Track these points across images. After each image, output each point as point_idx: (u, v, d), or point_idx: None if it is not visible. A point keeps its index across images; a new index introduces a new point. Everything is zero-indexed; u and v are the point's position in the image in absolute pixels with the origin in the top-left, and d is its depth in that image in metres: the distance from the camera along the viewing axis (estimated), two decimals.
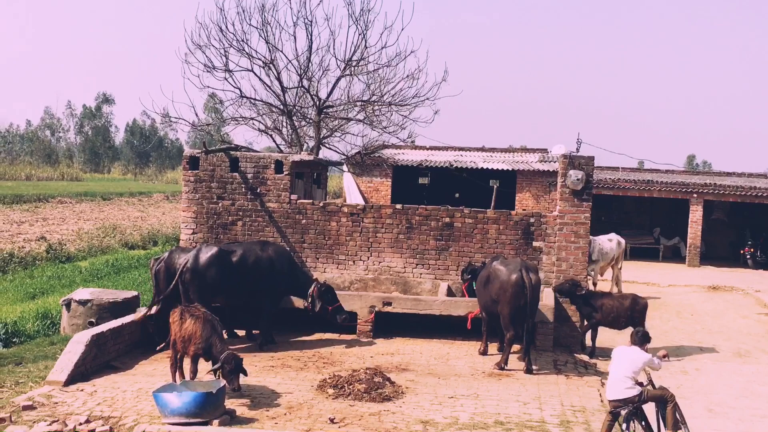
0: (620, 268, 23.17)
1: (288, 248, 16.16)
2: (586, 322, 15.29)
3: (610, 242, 22.90)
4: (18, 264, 24.93)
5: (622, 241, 23.55)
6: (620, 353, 9.92)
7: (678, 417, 9.61)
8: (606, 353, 14.87)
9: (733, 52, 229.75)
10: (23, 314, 16.47)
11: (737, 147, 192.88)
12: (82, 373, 11.79)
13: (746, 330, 18.71)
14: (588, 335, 15.32)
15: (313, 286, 14.43)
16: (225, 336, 14.86)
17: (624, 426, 9.50)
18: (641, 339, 10.06)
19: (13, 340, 14.94)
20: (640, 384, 9.69)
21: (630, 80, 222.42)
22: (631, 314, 15.11)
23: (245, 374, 11.15)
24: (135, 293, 16.25)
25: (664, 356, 10.22)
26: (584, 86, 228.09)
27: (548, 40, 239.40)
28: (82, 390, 11.29)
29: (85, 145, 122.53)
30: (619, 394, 9.57)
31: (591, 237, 21.86)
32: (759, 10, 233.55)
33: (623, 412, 9.60)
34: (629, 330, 14.86)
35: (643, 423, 9.58)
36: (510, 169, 33.44)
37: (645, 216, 36.03)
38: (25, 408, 10.31)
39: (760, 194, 31.63)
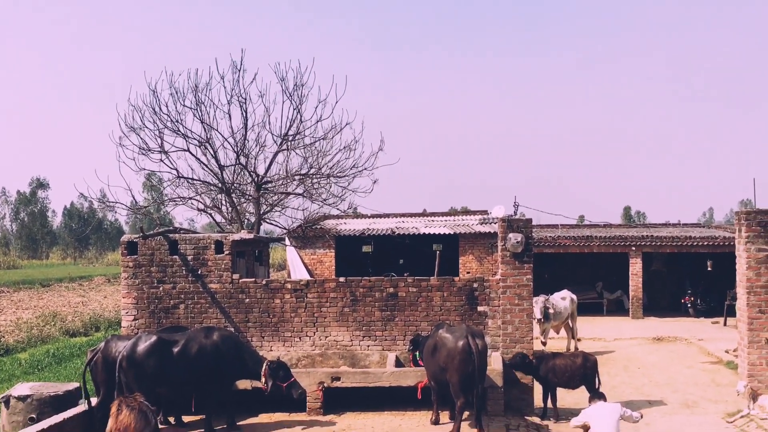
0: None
1: (232, 329, 15.98)
2: (543, 388, 15.37)
3: (563, 300, 23.24)
4: None
5: (575, 297, 23.94)
6: (600, 411, 10.37)
7: None
8: (561, 413, 14.95)
9: (661, 105, 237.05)
10: None
11: (669, 197, 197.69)
12: None
13: (692, 380, 18.96)
14: (540, 395, 15.40)
15: (264, 366, 14.18)
16: (173, 422, 14.64)
17: None
18: (601, 396, 11.32)
19: None
20: None
21: (562, 138, 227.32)
22: (584, 372, 15.25)
23: None
24: (77, 385, 15.79)
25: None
26: (519, 145, 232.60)
27: (481, 102, 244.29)
28: None
29: (21, 231, 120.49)
30: None
31: (545, 296, 22.24)
32: (680, 62, 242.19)
33: None
34: (580, 390, 15.08)
35: None
36: (452, 232, 33.73)
37: (587, 271, 36.53)
38: None
39: (695, 243, 32.38)
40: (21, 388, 15.21)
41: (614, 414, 10.31)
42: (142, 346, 13.51)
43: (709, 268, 32.45)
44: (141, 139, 22.01)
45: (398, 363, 15.93)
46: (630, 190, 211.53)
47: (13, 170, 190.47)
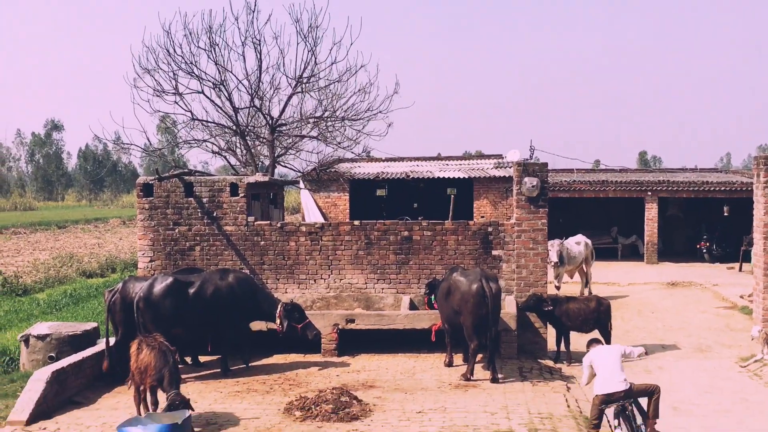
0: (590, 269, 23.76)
1: (248, 271, 16.06)
2: (556, 331, 15.41)
3: (578, 245, 23.19)
4: None
5: (589, 242, 23.87)
6: (600, 353, 10.37)
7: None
8: (574, 357, 15.05)
9: (678, 48, 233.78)
10: None
11: (686, 141, 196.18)
12: (44, 410, 11.56)
13: (706, 325, 18.99)
14: (553, 338, 15.48)
15: (279, 308, 14.28)
16: (190, 362, 14.83)
17: (615, 423, 9.86)
18: (598, 341, 11.21)
19: None
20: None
21: (579, 80, 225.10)
22: (597, 316, 15.29)
23: (192, 410, 10.85)
24: (94, 324, 16.01)
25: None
26: (535, 88, 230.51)
27: (498, 44, 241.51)
28: (44, 429, 11.08)
29: (36, 173, 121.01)
30: (613, 386, 9.89)
31: (559, 240, 22.17)
32: (702, 5, 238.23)
33: (608, 411, 9.84)
34: (593, 333, 15.13)
35: (632, 423, 9.83)
36: (466, 176, 33.60)
37: (602, 216, 36.40)
38: None
39: (712, 189, 32.15)
40: (40, 328, 15.43)
41: (615, 354, 10.29)
42: (158, 287, 13.62)
43: (725, 214, 32.28)
44: (155, 80, 21.99)
45: (412, 306, 16.01)
46: (646, 135, 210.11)
47: (27, 112, 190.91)
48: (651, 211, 32.37)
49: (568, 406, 11.84)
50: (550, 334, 15.64)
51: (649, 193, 32.34)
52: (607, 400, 9.86)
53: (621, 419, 9.83)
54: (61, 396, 12.20)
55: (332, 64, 23.01)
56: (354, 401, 11.71)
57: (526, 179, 15.62)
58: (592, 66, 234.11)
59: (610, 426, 9.99)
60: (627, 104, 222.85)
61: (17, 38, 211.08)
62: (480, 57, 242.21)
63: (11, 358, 15.84)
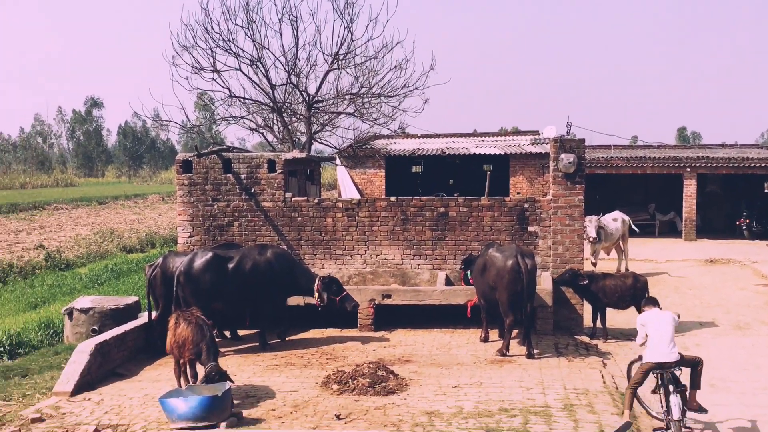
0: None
1: (285, 247, 16.24)
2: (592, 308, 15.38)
3: (614, 222, 23.08)
4: (18, 274, 25.00)
5: (627, 218, 23.74)
6: (655, 318, 10.25)
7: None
8: (610, 333, 15.06)
9: (717, 22, 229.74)
10: (26, 325, 16.51)
11: (726, 117, 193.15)
12: (88, 382, 11.86)
13: (745, 302, 18.84)
14: (589, 315, 15.47)
15: (317, 281, 14.45)
16: (228, 336, 15.08)
17: (667, 389, 9.79)
18: (655, 302, 10.72)
19: (18, 351, 15.00)
20: None
21: (617, 55, 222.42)
22: (633, 293, 15.24)
23: (232, 381, 11.05)
24: (135, 299, 16.33)
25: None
26: (571, 63, 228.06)
27: (533, 20, 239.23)
28: (89, 399, 11.37)
29: (77, 150, 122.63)
30: (665, 356, 9.87)
31: (596, 217, 22.07)
32: None
33: (657, 377, 9.86)
34: (630, 310, 15.08)
35: (678, 389, 9.80)
36: (502, 153, 33.48)
37: (639, 192, 36.10)
38: (34, 420, 10.38)
39: (752, 165, 31.74)
40: (83, 301, 15.79)
41: (669, 322, 10.18)
42: (198, 262, 13.84)
43: (766, 190, 31.83)
44: (194, 58, 22.06)
45: (448, 282, 16.09)
46: (685, 110, 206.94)
47: (68, 89, 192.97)
48: (689, 188, 32.05)
49: (604, 382, 11.87)
50: (586, 310, 15.64)
51: (688, 170, 32.01)
52: (657, 368, 9.85)
53: (672, 387, 9.81)
54: (105, 368, 12.50)
55: (368, 40, 22.95)
56: (390, 375, 11.84)
57: (562, 155, 15.57)
58: (629, 41, 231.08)
59: (660, 392, 9.96)
60: (665, 79, 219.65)
61: (58, 16, 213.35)
62: (516, 32, 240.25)
63: (55, 330, 16.23)
